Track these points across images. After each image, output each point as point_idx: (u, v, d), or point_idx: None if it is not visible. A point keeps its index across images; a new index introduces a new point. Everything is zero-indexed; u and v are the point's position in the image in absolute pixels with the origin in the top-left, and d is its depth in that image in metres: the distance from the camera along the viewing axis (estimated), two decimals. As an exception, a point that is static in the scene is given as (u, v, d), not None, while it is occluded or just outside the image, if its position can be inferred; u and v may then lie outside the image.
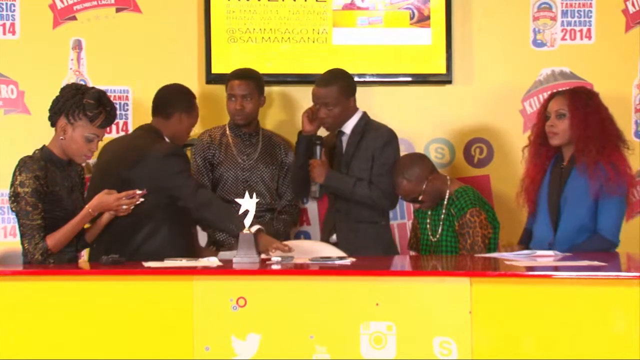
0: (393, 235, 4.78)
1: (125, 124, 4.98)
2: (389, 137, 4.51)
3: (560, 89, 4.37)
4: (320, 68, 4.74)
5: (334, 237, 4.53)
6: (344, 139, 4.54)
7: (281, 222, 4.73)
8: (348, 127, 4.53)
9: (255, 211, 3.69)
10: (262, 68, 4.84)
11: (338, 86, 4.47)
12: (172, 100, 4.23)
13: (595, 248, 3.95)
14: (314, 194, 4.57)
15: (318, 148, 4.54)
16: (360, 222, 4.48)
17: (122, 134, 4.88)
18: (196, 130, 4.92)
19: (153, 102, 4.28)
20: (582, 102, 4.07)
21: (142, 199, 3.82)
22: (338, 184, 4.48)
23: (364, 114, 4.57)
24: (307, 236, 5.10)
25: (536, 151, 4.19)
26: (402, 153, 4.68)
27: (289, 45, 4.99)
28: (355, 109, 4.55)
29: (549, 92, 4.35)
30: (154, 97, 4.30)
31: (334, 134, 4.60)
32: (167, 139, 4.17)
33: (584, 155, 4.01)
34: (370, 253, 4.32)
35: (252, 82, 4.66)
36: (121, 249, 3.82)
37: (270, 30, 4.99)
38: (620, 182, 3.97)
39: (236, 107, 4.65)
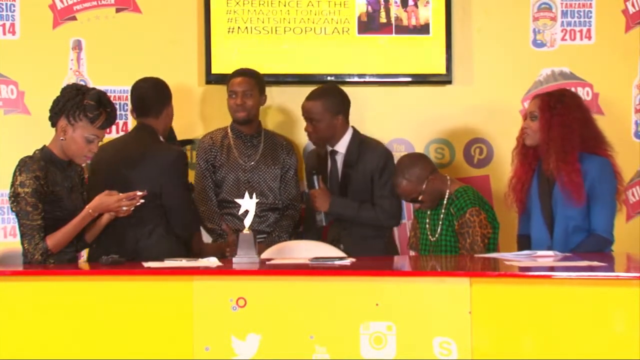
0: (393, 239, 4.74)
1: (125, 124, 4.98)
2: (387, 157, 4.51)
3: (543, 92, 4.36)
4: (319, 68, 4.73)
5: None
6: (339, 159, 4.54)
7: (287, 219, 4.73)
8: (341, 146, 4.53)
9: (258, 211, 3.70)
10: (263, 68, 4.83)
11: (323, 101, 4.47)
12: (158, 97, 4.23)
13: (594, 247, 3.97)
14: (320, 223, 4.50)
15: (315, 178, 4.49)
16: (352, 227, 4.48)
17: (122, 134, 4.88)
18: (198, 132, 4.93)
19: (137, 103, 4.24)
20: (550, 105, 4.07)
21: (142, 201, 3.82)
22: (343, 210, 4.47)
23: (355, 132, 4.55)
24: (307, 236, 5.10)
25: (522, 151, 4.20)
26: (402, 153, 4.68)
27: (290, 46, 5.00)
28: (346, 128, 4.54)
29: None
30: (135, 98, 4.26)
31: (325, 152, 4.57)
32: (161, 138, 4.19)
33: (548, 158, 4.03)
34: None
35: (252, 80, 4.67)
36: (120, 249, 3.83)
37: (271, 31, 5.00)
38: (606, 185, 4.01)
39: (237, 102, 4.64)
